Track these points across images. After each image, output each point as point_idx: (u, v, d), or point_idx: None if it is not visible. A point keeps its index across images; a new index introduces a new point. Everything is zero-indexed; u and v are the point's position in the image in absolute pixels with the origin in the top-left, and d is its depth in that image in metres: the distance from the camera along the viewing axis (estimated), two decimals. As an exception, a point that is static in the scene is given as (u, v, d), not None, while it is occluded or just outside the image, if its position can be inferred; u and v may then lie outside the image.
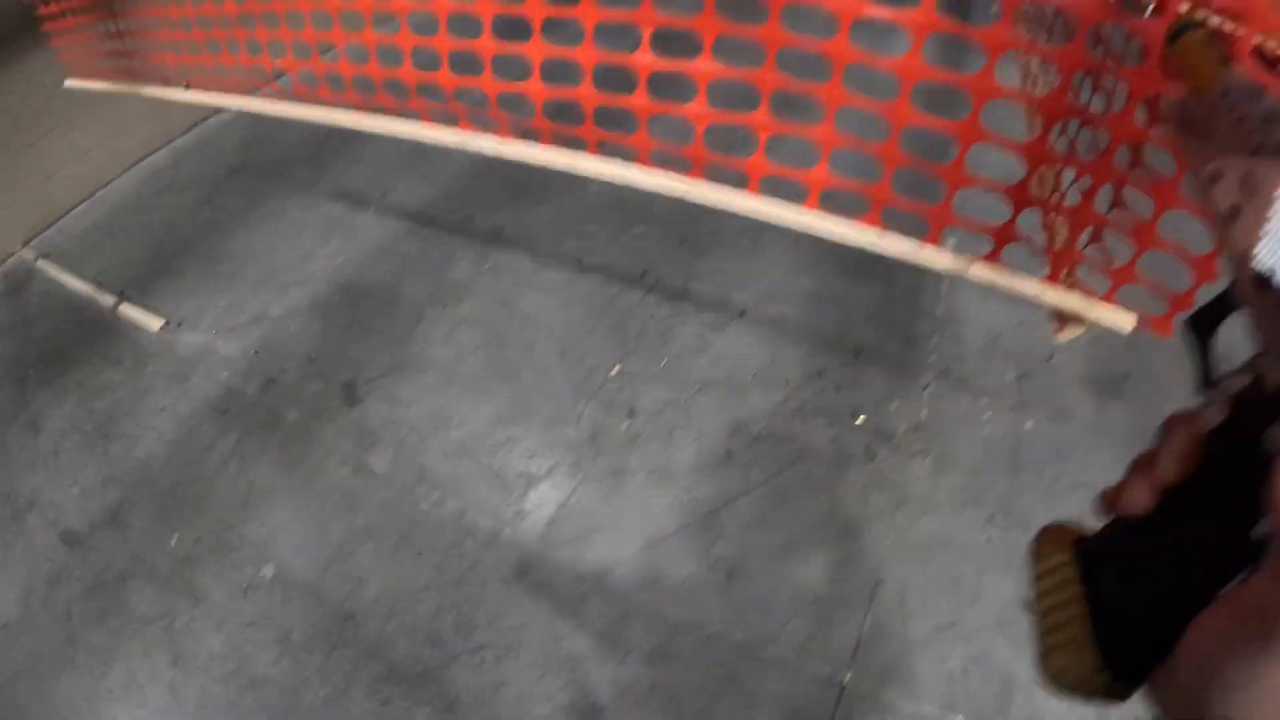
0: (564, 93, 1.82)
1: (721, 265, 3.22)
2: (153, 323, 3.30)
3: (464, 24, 1.91)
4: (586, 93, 1.77)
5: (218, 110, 4.63)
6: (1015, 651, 2.20)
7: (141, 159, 4.43)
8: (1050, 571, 0.48)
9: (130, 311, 3.37)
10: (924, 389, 2.82)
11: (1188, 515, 0.43)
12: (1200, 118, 0.52)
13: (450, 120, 2.12)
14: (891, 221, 1.62)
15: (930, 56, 1.44)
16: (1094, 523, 0.48)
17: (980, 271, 1.57)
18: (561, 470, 2.60)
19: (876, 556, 2.43)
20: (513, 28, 1.82)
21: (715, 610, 2.29)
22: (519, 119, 1.95)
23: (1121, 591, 0.45)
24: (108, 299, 3.46)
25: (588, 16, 1.71)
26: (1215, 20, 1.14)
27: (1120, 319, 1.64)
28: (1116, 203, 1.57)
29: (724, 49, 1.59)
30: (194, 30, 2.83)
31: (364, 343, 3.09)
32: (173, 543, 2.55)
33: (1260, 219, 0.42)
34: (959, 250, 1.61)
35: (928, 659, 2.20)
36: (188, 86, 3.16)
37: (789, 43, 1.52)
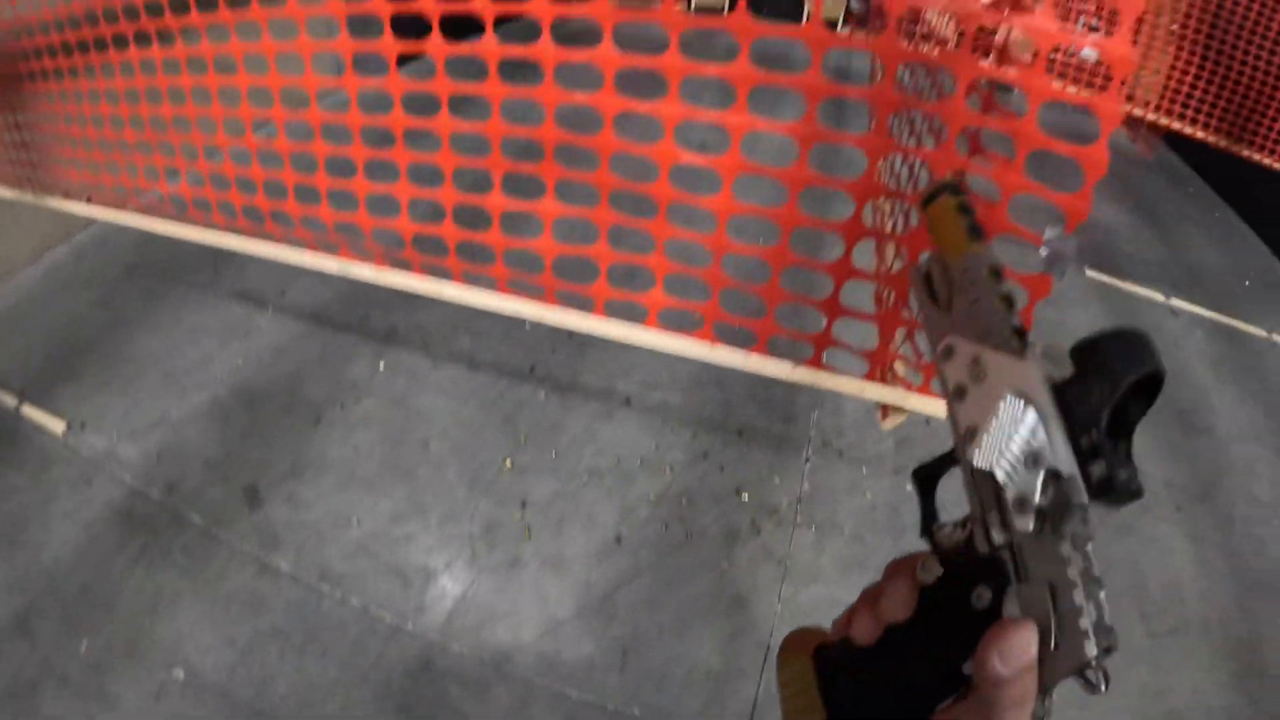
0: (430, 229, 2.03)
1: (606, 357, 3.43)
2: (55, 425, 3.33)
3: (341, 166, 2.10)
4: (449, 229, 1.98)
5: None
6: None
7: (41, 255, 4.46)
8: (793, 680, 0.56)
9: (33, 413, 3.40)
10: (805, 462, 3.04)
11: (908, 646, 0.51)
12: (942, 285, 0.56)
13: (331, 248, 2.30)
14: (724, 334, 1.84)
15: (741, 194, 1.68)
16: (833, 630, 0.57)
17: (803, 375, 1.81)
18: (459, 563, 2.74)
19: (766, 626, 2.62)
20: (383, 169, 2.02)
21: (614, 689, 2.44)
22: (393, 249, 2.15)
23: (853, 705, 0.53)
24: (9, 400, 3.48)
25: (447, 163, 1.92)
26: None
27: (934, 407, 1.88)
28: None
29: (565, 191, 1.82)
30: (95, 151, 2.94)
31: (264, 445, 3.19)
32: (82, 649, 2.57)
33: (983, 409, 0.50)
34: (785, 356, 1.84)
35: (818, 721, 2.36)
36: (89, 200, 3.27)
37: (618, 185, 1.75)
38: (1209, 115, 5.82)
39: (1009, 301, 0.53)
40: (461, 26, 1.82)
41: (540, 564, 2.72)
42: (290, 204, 2.27)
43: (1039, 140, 1.46)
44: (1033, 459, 0.47)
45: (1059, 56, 5.85)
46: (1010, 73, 1.53)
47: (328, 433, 3.20)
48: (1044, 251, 1.51)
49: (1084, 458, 0.47)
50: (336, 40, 2.01)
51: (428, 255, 2.08)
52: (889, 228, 1.80)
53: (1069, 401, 0.48)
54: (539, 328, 3.61)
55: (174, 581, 2.75)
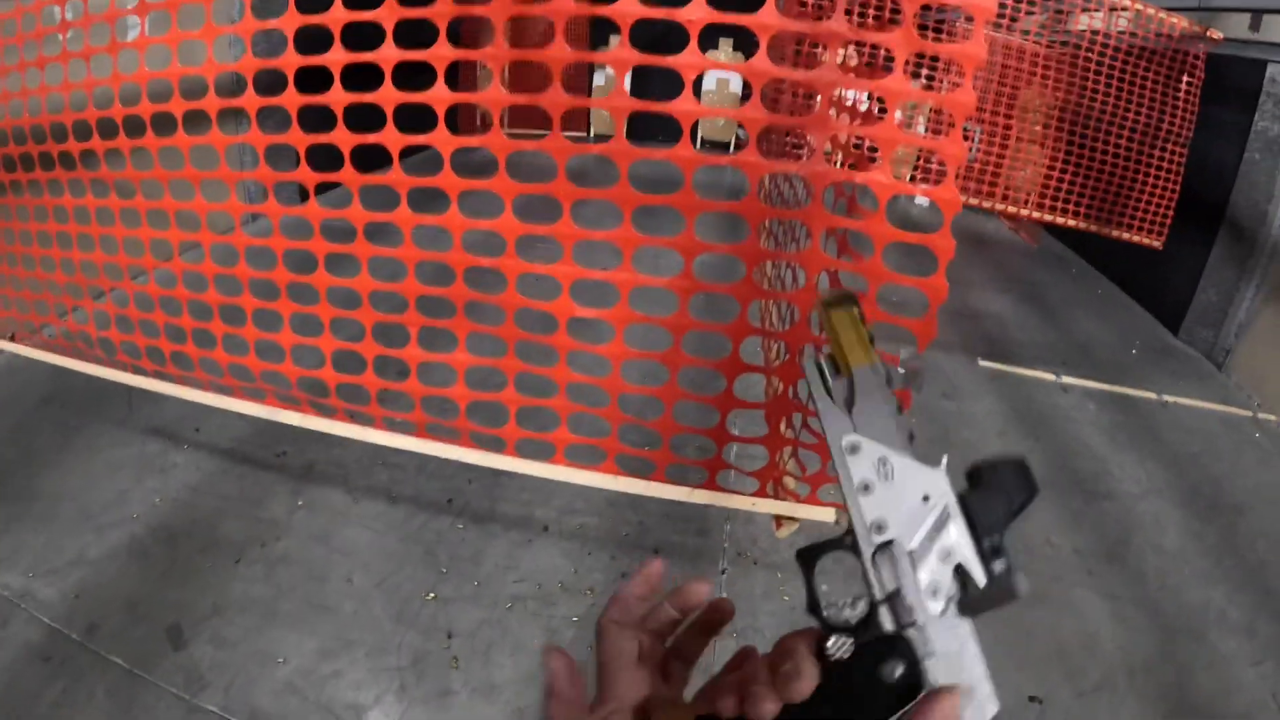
0: (352, 378, 2.23)
1: (522, 485, 3.61)
2: None
3: (267, 319, 2.30)
4: (370, 379, 2.19)
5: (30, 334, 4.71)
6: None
7: (-49, 385, 4.43)
8: None
9: (-58, 554, 3.38)
10: (722, 573, 3.25)
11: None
12: (840, 386, 0.63)
13: (258, 394, 2.48)
14: (626, 465, 2.07)
15: (634, 341, 1.94)
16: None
17: (700, 496, 2.04)
18: (388, 698, 2.84)
19: (696, 736, 2.75)
20: (307, 324, 2.22)
21: (549, 815, 2.54)
22: (317, 396, 2.34)
23: None
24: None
25: (367, 318, 2.14)
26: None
27: (822, 513, 2.13)
28: (805, 425, 2.09)
29: (475, 344, 2.05)
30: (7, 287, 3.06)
31: (186, 584, 3.24)
32: None
33: (894, 507, 0.58)
34: (683, 480, 2.08)
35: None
36: (13, 338, 3.35)
37: (523, 337, 2.00)
38: (1078, 205, 6.44)
39: (900, 411, 0.64)
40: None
41: (470, 693, 2.84)
42: (219, 351, 2.45)
43: (892, 233, 1.74)
44: (944, 554, 0.57)
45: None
46: (859, 176, 1.83)
47: (249, 571, 3.28)
48: (901, 371, 1.79)
49: (986, 558, 0.57)
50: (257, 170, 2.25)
51: (351, 402, 2.27)
52: (773, 357, 2.08)
53: (972, 511, 0.58)
54: (455, 460, 3.79)
55: (98, 726, 2.76)
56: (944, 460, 0.59)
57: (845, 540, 0.61)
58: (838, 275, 1.94)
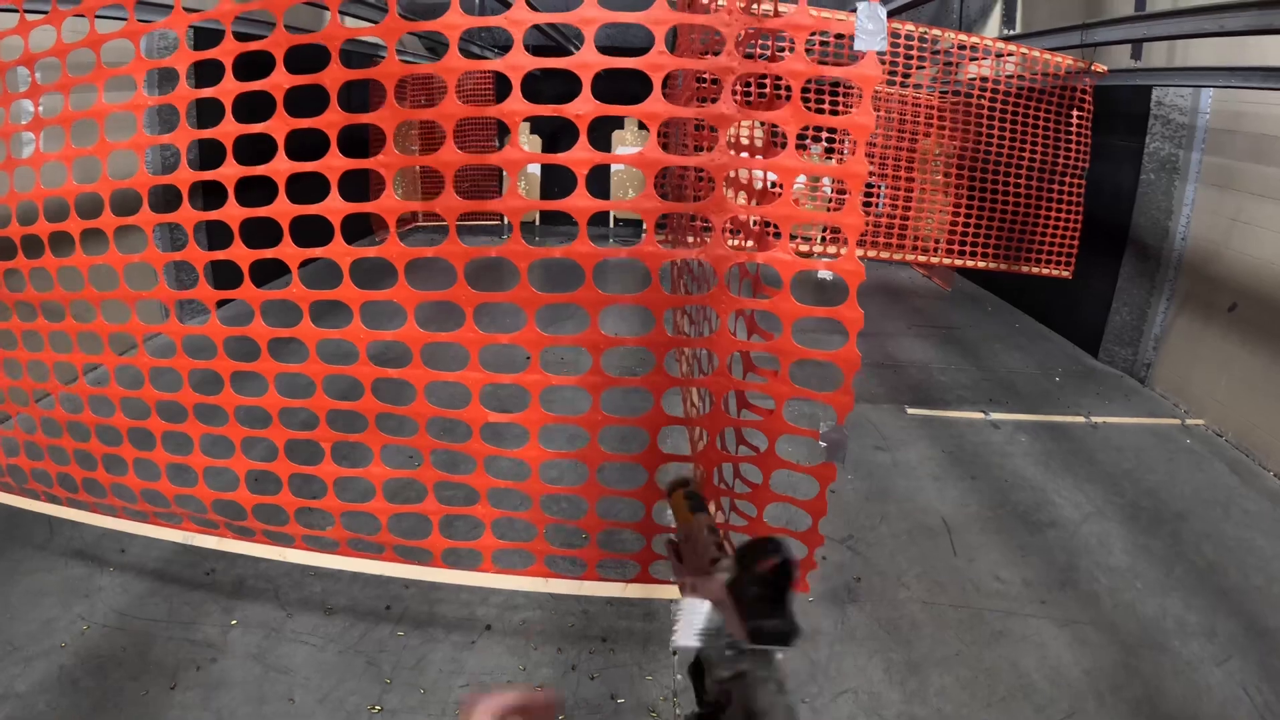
0: (268, 499, 2.14)
1: (461, 586, 3.50)
2: None
3: (177, 441, 2.20)
4: (287, 497, 2.10)
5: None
6: None
7: None
8: None
9: None
10: (673, 655, 3.17)
11: None
12: (685, 547, 0.92)
13: (174, 519, 2.37)
14: (556, 566, 2.00)
15: (550, 442, 1.88)
16: None
17: (635, 590, 1.98)
18: (340, 824, 2.69)
19: (666, 822, 2.67)
20: (218, 444, 2.13)
21: None
22: (234, 519, 2.23)
23: None
24: None
25: (279, 436, 2.06)
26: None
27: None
28: (733, 507, 2.05)
29: (390, 456, 1.98)
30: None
31: (119, 716, 3.07)
32: None
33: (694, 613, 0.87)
34: (614, 576, 2.02)
35: None
36: None
37: (438, 446, 1.93)
38: (985, 246, 6.61)
39: (715, 537, 0.92)
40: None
41: (424, 809, 2.72)
42: (130, 476, 2.34)
43: (800, 310, 1.72)
44: (716, 633, 0.86)
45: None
46: (761, 256, 1.81)
47: (185, 697, 3.12)
48: (823, 444, 1.77)
49: (758, 620, 0.84)
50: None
51: (269, 523, 2.18)
52: (697, 440, 2.04)
53: (740, 590, 0.84)
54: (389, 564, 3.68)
55: None
56: (719, 565, 0.93)
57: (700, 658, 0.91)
58: (750, 356, 1.92)
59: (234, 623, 3.41)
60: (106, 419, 2.46)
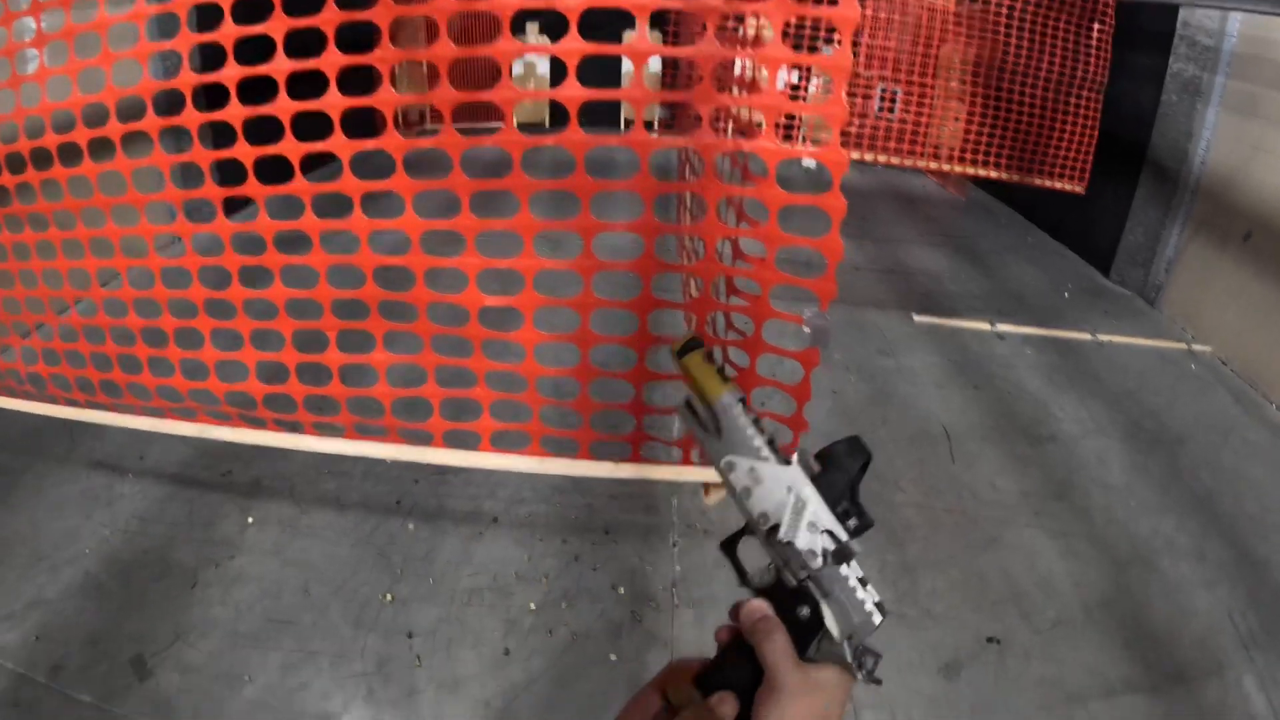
0: (278, 388, 2.25)
1: (469, 479, 3.63)
2: None
3: (189, 338, 2.30)
4: (295, 386, 2.21)
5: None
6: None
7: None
8: (686, 704, 0.76)
9: (-104, 617, 3.33)
10: (673, 547, 3.30)
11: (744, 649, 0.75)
12: (708, 418, 0.80)
13: (188, 413, 2.49)
14: (551, 446, 2.11)
15: (544, 325, 1.97)
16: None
17: (626, 470, 2.09)
18: (357, 703, 2.85)
19: (663, 707, 2.80)
20: (228, 339, 2.23)
21: (526, 798, 2.58)
22: (246, 409, 2.35)
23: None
24: None
25: (286, 328, 2.16)
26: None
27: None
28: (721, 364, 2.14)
29: (392, 341, 2.07)
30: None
31: (144, 614, 3.21)
32: None
33: (770, 501, 0.77)
34: (607, 457, 2.13)
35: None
36: None
37: (438, 331, 2.03)
38: (1000, 156, 6.56)
39: (759, 425, 0.81)
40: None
41: (436, 689, 2.87)
42: (145, 375, 2.45)
43: (784, 198, 1.79)
44: (812, 525, 0.76)
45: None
46: (747, 144, 1.88)
47: (205, 594, 3.27)
48: (807, 329, 1.85)
49: (841, 517, 0.78)
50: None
51: (279, 411, 2.29)
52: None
53: (822, 488, 0.78)
54: (399, 462, 3.80)
55: (74, 765, 2.75)
56: (794, 459, 0.80)
57: (747, 529, 0.82)
58: (738, 243, 1.99)
59: (251, 521, 3.55)
60: (120, 320, 2.57)
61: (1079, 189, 6.48)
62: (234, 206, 2.31)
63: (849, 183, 1.81)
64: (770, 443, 0.80)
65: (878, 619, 0.77)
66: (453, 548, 3.33)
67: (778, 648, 0.73)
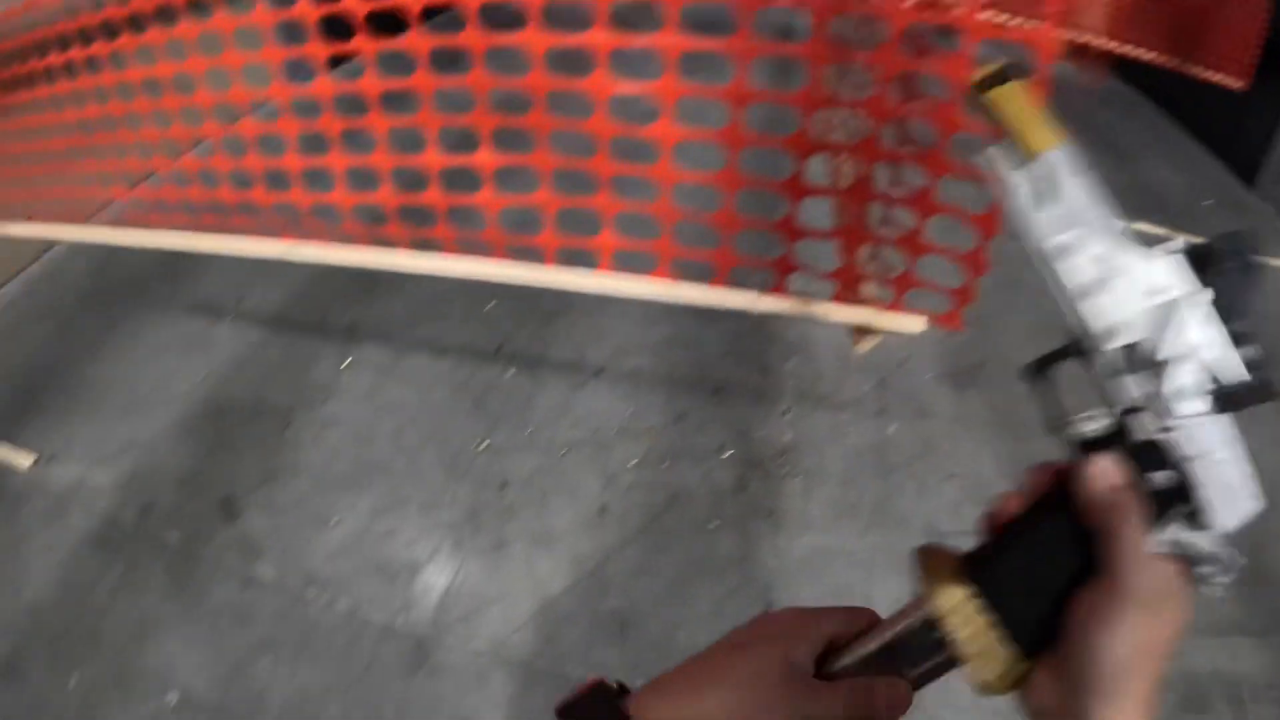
0: (367, 196, 1.96)
1: (573, 326, 3.38)
2: (22, 460, 3.24)
3: (269, 143, 2.04)
4: (388, 196, 1.92)
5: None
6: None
7: (-11, 294, 4.36)
8: (952, 606, 0.54)
9: (-2, 450, 3.31)
10: (784, 413, 3.00)
11: (1057, 528, 0.53)
12: (1032, 180, 0.53)
13: (271, 232, 2.23)
14: (681, 271, 1.79)
15: (684, 116, 1.63)
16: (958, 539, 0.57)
17: (769, 303, 1.76)
18: (443, 552, 2.68)
19: (763, 581, 2.57)
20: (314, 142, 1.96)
21: (615, 663, 2.38)
22: (332, 224, 2.08)
23: (1016, 596, 0.53)
24: (-30, 443, 3.38)
25: (378, 124, 1.86)
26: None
27: (909, 323, 1.84)
28: (887, 219, 1.79)
29: (501, 139, 1.76)
30: (28, 167, 2.88)
31: (235, 456, 3.11)
32: (71, 684, 2.48)
33: (1129, 307, 0.51)
34: (748, 286, 1.80)
35: (830, 672, 2.32)
36: (29, 219, 3.19)
37: (555, 126, 1.70)
38: (1156, 35, 5.81)
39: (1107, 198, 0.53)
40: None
41: (527, 543, 2.67)
42: (258, 191, 2.20)
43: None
44: (1188, 349, 0.49)
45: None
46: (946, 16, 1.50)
47: (298, 436, 3.13)
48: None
49: (1236, 342, 0.50)
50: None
51: (367, 224, 2.01)
52: (839, 138, 1.75)
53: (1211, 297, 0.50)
54: (501, 306, 3.56)
55: (158, 604, 2.66)
56: (1178, 245, 0.51)
57: (1073, 349, 0.55)
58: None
59: (346, 365, 3.37)
60: (238, 161, 2.30)
61: (1240, 84, 5.71)
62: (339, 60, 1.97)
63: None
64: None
65: (1256, 505, 0.50)
66: (553, 397, 3.09)
67: (1136, 536, 0.49)
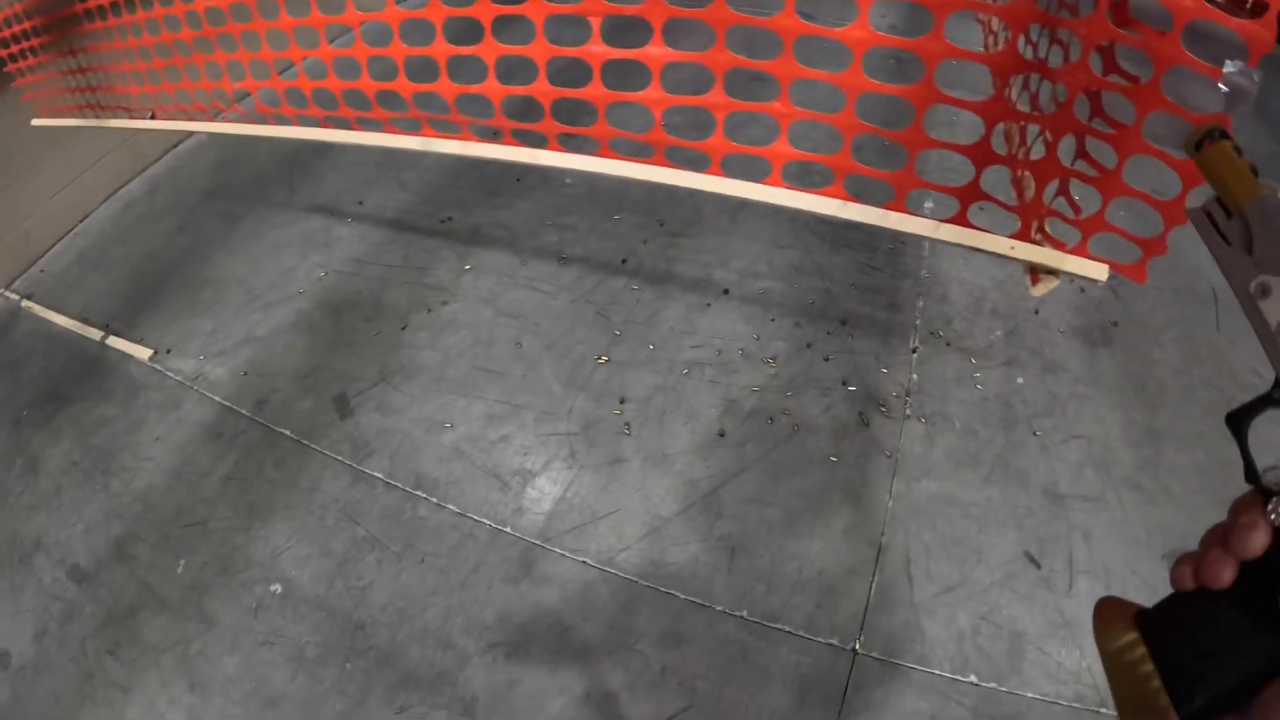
0: (521, 90, 1.82)
1: (702, 245, 3.22)
2: (141, 353, 3.29)
3: (418, 30, 1.91)
4: (543, 88, 1.77)
5: (187, 136, 4.60)
6: (1023, 607, 2.21)
7: (116, 191, 4.41)
8: (1120, 650, 0.51)
9: (118, 344, 3.36)
10: (913, 352, 2.82)
11: (1258, 599, 0.46)
12: (1234, 227, 0.53)
13: (413, 127, 2.11)
14: (856, 189, 1.61)
15: (879, 23, 1.44)
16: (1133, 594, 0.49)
17: (949, 232, 1.58)
18: (557, 464, 2.60)
19: (878, 522, 2.44)
20: (466, 30, 1.82)
21: (721, 589, 2.30)
22: (480, 120, 1.95)
23: (1195, 660, 0.48)
24: (95, 333, 3.45)
25: (534, 12, 1.71)
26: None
27: (1093, 269, 1.64)
28: (1080, 153, 1.58)
29: (673, 31, 1.59)
30: (154, 59, 2.83)
31: (351, 354, 3.08)
32: (179, 570, 2.54)
33: None
34: (927, 212, 1.61)
35: (936, 621, 2.21)
36: (153, 116, 3.17)
37: (735, 21, 1.52)
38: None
39: None
40: None
41: (642, 461, 2.57)
42: (364, 80, 2.08)
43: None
44: None
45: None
46: None
47: (415, 337, 3.07)
48: (1224, 87, 1.26)
49: None
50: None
51: (518, 121, 1.87)
52: (1052, 60, 1.53)
53: None
54: (629, 219, 3.41)
55: (267, 496, 2.68)
56: None
57: (1276, 396, 0.52)
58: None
59: (467, 268, 3.29)
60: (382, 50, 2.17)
61: None
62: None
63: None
64: None
65: None
66: (677, 315, 2.96)
67: None
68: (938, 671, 2.12)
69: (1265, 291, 0.51)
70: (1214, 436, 2.78)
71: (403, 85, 2.03)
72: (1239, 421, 0.55)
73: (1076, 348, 3.01)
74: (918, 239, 3.10)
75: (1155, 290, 3.46)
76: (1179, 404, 2.89)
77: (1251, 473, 0.50)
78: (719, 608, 2.26)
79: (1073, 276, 1.67)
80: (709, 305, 2.99)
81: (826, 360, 2.79)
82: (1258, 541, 0.46)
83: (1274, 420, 0.54)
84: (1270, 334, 0.50)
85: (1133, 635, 0.51)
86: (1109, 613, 0.54)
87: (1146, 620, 0.52)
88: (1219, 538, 0.49)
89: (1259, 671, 0.44)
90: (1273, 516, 0.46)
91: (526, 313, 3.03)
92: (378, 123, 2.25)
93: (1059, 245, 1.65)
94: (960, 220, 1.58)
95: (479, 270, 3.26)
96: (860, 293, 3.02)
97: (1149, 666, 0.50)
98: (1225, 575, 0.48)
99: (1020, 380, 2.83)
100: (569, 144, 1.86)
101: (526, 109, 1.86)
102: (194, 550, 2.58)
